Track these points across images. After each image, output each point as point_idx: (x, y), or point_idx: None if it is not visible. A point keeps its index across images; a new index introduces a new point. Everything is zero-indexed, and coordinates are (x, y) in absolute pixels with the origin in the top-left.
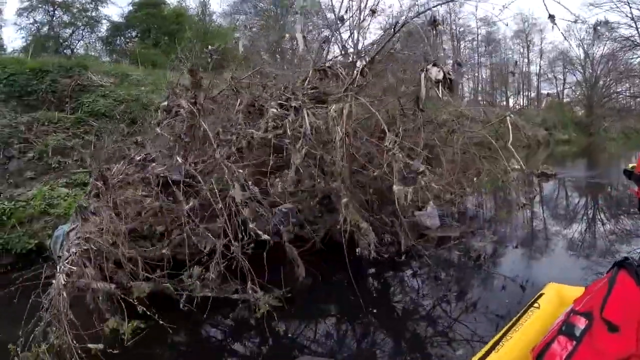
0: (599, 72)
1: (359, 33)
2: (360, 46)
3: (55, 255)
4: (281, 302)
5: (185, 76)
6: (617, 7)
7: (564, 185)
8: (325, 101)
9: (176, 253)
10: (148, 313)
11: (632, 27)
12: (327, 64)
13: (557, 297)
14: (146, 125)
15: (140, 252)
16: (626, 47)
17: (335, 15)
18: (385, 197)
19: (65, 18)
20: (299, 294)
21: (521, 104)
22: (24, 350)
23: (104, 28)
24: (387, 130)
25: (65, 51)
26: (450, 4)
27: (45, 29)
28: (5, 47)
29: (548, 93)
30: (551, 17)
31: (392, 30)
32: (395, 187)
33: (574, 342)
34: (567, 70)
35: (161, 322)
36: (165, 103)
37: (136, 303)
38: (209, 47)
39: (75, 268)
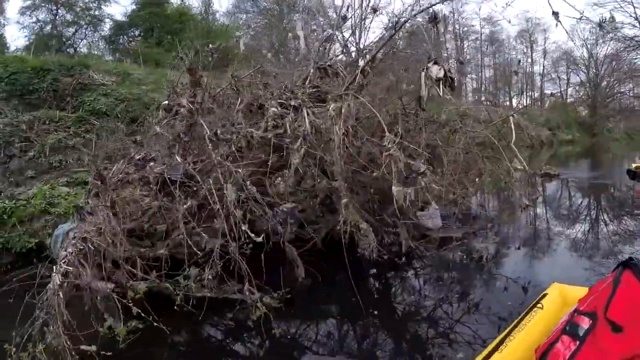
0: (602, 72)
1: (360, 32)
2: (362, 45)
3: (55, 255)
4: (280, 303)
5: (186, 75)
6: (621, 7)
7: (567, 186)
8: (326, 100)
9: (175, 253)
10: (143, 315)
11: (635, 27)
12: (328, 63)
13: (560, 298)
14: (147, 124)
15: (138, 252)
16: (630, 47)
17: (337, 14)
18: (387, 197)
19: (68, 17)
20: (299, 294)
21: (524, 104)
22: (20, 350)
23: (107, 27)
24: (386, 130)
25: (68, 50)
26: (453, 3)
27: (48, 27)
28: (8, 45)
29: (552, 93)
30: (555, 14)
31: (393, 28)
32: (394, 188)
33: (578, 342)
34: (570, 70)
35: (158, 322)
36: (166, 102)
37: (130, 304)
38: (210, 45)
39: (71, 268)
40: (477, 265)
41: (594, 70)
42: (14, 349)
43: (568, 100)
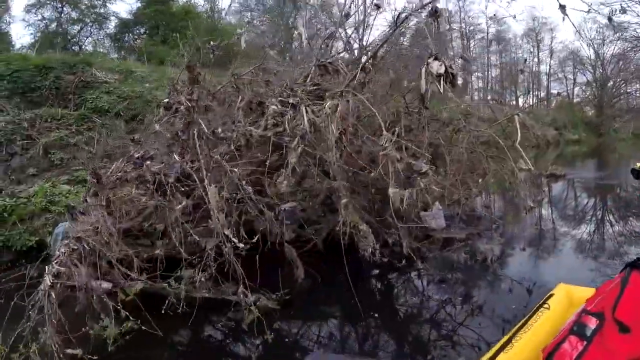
0: (609, 72)
1: (364, 29)
2: (365, 42)
3: (55, 253)
4: (278, 304)
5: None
6: (629, 6)
7: (573, 186)
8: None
9: (171, 253)
10: (131, 318)
11: None
12: (329, 60)
13: (567, 298)
14: (146, 122)
15: (134, 252)
16: (637, 47)
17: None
18: (388, 198)
19: (74, 15)
20: (299, 295)
21: (531, 103)
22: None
23: (112, 25)
24: (384, 129)
25: (73, 48)
26: (460, 2)
27: (54, 25)
28: (13, 43)
29: (558, 92)
30: (562, 8)
31: (395, 24)
32: (390, 190)
33: (585, 342)
34: (577, 70)
35: (153, 322)
36: (167, 100)
37: (120, 307)
38: (211, 42)
39: (63, 269)
40: (482, 267)
41: (601, 70)
42: (6, 349)
43: (574, 100)
